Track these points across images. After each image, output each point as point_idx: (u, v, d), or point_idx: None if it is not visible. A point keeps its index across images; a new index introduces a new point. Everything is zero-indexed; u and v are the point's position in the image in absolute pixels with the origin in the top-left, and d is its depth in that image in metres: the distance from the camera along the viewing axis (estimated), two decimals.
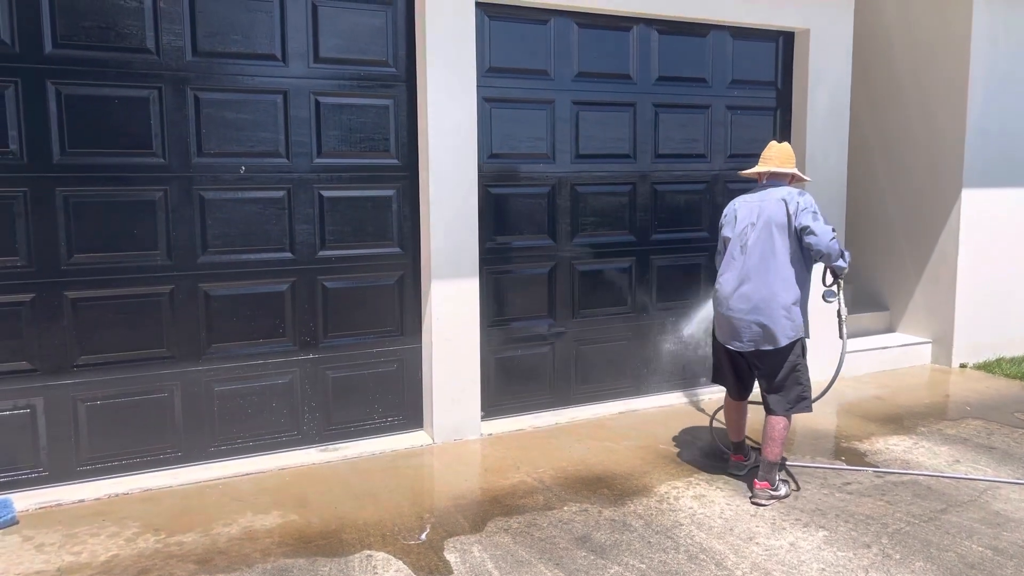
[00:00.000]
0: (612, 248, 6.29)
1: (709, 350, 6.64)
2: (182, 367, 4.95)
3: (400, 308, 5.55)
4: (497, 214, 5.80)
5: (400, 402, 5.62)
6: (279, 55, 5.03)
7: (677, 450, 5.42)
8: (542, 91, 5.89)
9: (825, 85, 6.80)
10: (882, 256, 8.20)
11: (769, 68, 6.78)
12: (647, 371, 6.53)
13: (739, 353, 4.69)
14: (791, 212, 4.49)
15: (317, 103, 5.16)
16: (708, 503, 4.60)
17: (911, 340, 7.82)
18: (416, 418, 5.69)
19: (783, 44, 6.79)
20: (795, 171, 4.78)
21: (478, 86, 5.49)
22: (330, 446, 5.39)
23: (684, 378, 6.70)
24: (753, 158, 6.70)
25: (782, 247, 4.50)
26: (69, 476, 4.73)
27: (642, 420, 6.07)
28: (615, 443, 5.55)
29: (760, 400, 4.77)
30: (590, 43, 6.01)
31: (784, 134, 6.89)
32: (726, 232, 4.74)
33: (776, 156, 4.76)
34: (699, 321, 6.41)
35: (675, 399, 6.53)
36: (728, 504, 4.58)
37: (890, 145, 7.98)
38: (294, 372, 5.27)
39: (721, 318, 4.70)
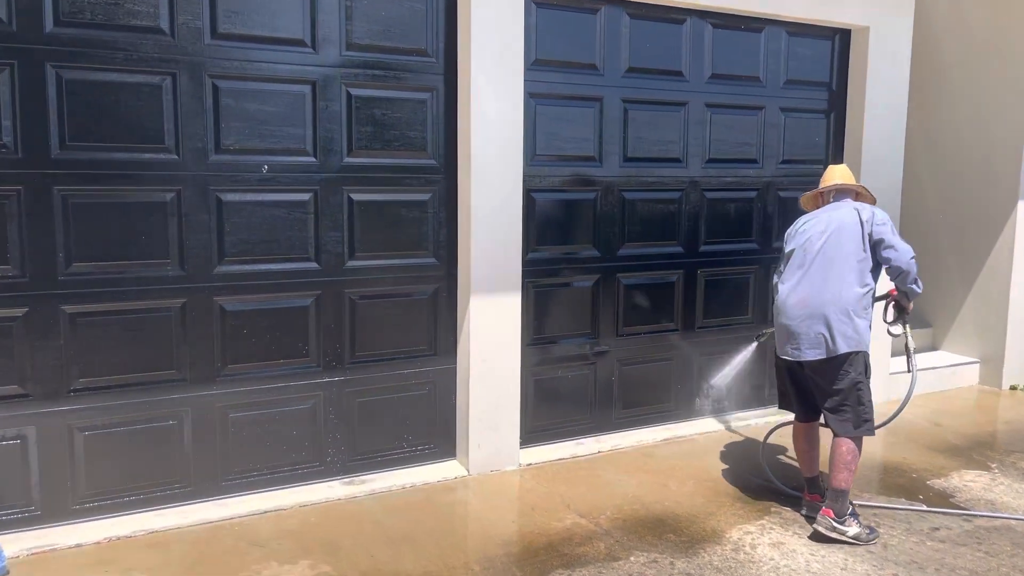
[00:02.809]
0: (659, 260, 5.77)
1: (759, 373, 6.26)
2: (194, 391, 4.38)
3: (434, 325, 5.00)
4: (539, 221, 5.26)
5: (431, 429, 5.07)
6: (308, 41, 4.47)
7: (739, 486, 4.91)
8: (590, 87, 5.36)
9: (882, 87, 6.32)
10: (925, 269, 7.70)
11: (824, 68, 6.30)
12: (692, 394, 6.03)
13: (800, 366, 4.31)
14: (863, 220, 4.22)
15: (349, 95, 4.60)
16: (789, 553, 4.10)
17: (958, 360, 7.37)
18: (448, 447, 5.14)
19: (839, 42, 6.31)
20: (862, 185, 4.54)
21: (524, 80, 4.95)
22: (355, 478, 4.83)
23: (731, 401, 6.20)
24: (805, 164, 6.30)
25: (849, 254, 4.19)
26: (64, 515, 4.14)
27: (691, 449, 5.57)
28: (668, 477, 5.04)
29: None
30: (641, 36, 5.49)
31: (838, 139, 6.41)
32: (790, 246, 4.42)
33: (840, 175, 4.50)
34: (733, 368, 5.81)
35: (718, 424, 6.04)
36: (812, 555, 4.08)
37: (938, 152, 7.52)
38: (317, 396, 4.70)
39: (779, 327, 4.35)
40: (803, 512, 4.51)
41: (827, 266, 4.18)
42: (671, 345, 5.89)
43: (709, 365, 6.02)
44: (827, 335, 4.12)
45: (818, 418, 4.43)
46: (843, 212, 4.28)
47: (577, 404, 5.59)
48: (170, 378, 4.33)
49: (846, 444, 4.16)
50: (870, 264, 4.19)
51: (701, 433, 5.87)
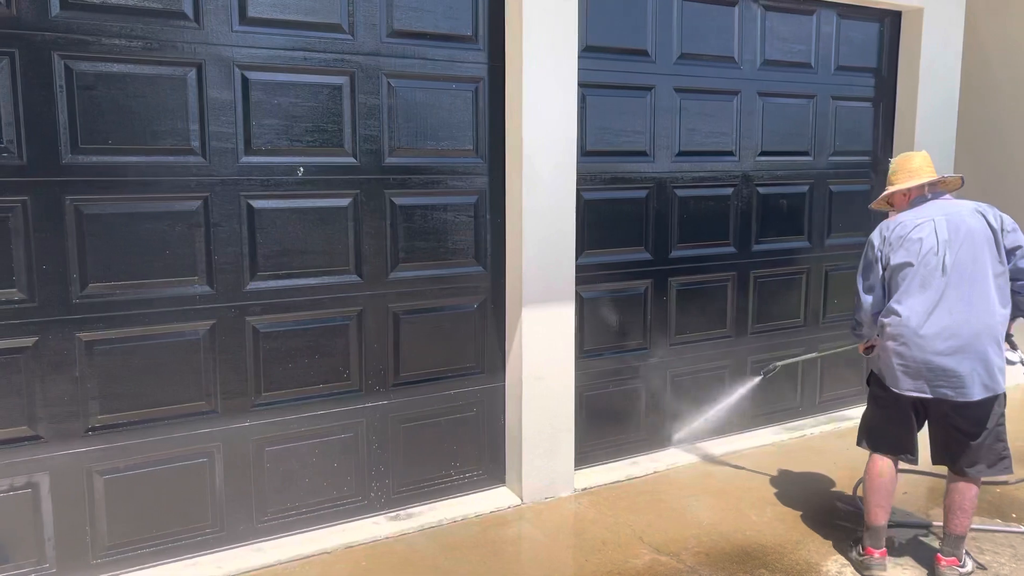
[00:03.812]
0: (712, 261, 5.35)
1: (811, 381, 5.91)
2: (225, 424, 3.88)
3: (481, 340, 4.54)
4: (588, 223, 4.81)
5: (479, 454, 4.62)
6: (346, 25, 3.96)
7: (817, 509, 4.52)
8: (642, 75, 4.91)
9: (935, 73, 5.94)
10: None
11: (871, 53, 5.91)
12: (744, 404, 5.62)
13: (922, 404, 3.70)
14: (994, 226, 3.61)
15: (390, 87, 4.11)
16: None
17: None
18: (497, 472, 4.69)
19: (889, 26, 5.92)
20: (959, 176, 3.92)
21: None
22: (401, 512, 4.37)
23: (781, 411, 5.82)
24: (856, 155, 5.91)
25: (987, 269, 3.57)
26: (83, 572, 3.63)
27: (751, 464, 5.16)
28: (739, 500, 4.63)
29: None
30: (693, 18, 5.05)
31: (887, 128, 6.04)
32: (899, 258, 3.64)
33: (929, 164, 3.84)
34: (729, 403, 5.38)
35: (774, 436, 5.64)
36: None
37: (977, 146, 7.15)
38: (360, 424, 4.22)
39: (913, 362, 3.60)
40: (867, 573, 3.82)
41: (965, 285, 3.54)
42: (723, 353, 5.48)
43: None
44: (984, 372, 3.51)
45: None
46: (964, 214, 3.63)
47: (629, 420, 5.16)
48: (199, 410, 3.82)
49: (973, 488, 3.70)
50: (1007, 278, 3.62)
51: (757, 446, 5.47)
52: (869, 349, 4.03)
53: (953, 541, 3.75)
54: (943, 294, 3.55)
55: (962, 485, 3.71)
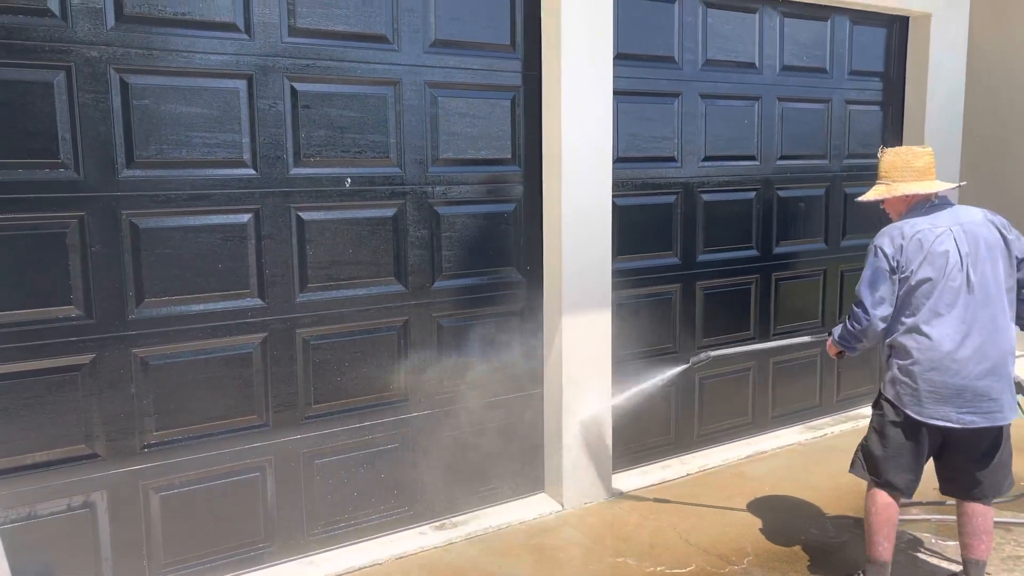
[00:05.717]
0: (737, 265, 5.42)
1: (826, 378, 5.99)
2: (276, 437, 3.85)
3: (520, 348, 4.54)
4: (620, 229, 4.83)
5: (518, 461, 4.63)
6: (390, 36, 3.96)
7: (852, 508, 4.58)
8: (669, 82, 4.96)
9: (942, 78, 6.07)
10: None
11: (879, 57, 6.02)
12: (766, 405, 5.70)
13: (939, 431, 3.39)
14: (1007, 236, 3.41)
15: (433, 97, 4.11)
16: None
17: None
18: (536, 479, 4.70)
19: (898, 30, 6.03)
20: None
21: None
22: (447, 521, 4.36)
23: (801, 411, 5.90)
24: (867, 158, 6.00)
25: (1002, 282, 3.38)
26: None
27: (779, 466, 5.23)
28: (774, 500, 4.70)
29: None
30: (717, 26, 5.11)
31: (895, 133, 6.15)
32: (923, 272, 3.32)
33: (933, 166, 3.53)
34: (644, 390, 4.75)
35: (796, 436, 5.72)
36: None
37: (978, 146, 7.32)
38: (406, 433, 4.22)
39: (945, 388, 3.31)
40: None
41: (990, 303, 3.32)
42: (748, 355, 5.53)
43: (783, 375, 5.72)
44: (1010, 392, 3.35)
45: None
46: (978, 223, 3.40)
47: (658, 423, 5.20)
48: (251, 424, 3.79)
49: (988, 510, 3.51)
50: (1015, 292, 3.45)
51: (782, 446, 5.54)
52: (840, 354, 3.75)
53: (979, 568, 3.52)
54: (971, 313, 3.31)
55: (976, 509, 3.50)
